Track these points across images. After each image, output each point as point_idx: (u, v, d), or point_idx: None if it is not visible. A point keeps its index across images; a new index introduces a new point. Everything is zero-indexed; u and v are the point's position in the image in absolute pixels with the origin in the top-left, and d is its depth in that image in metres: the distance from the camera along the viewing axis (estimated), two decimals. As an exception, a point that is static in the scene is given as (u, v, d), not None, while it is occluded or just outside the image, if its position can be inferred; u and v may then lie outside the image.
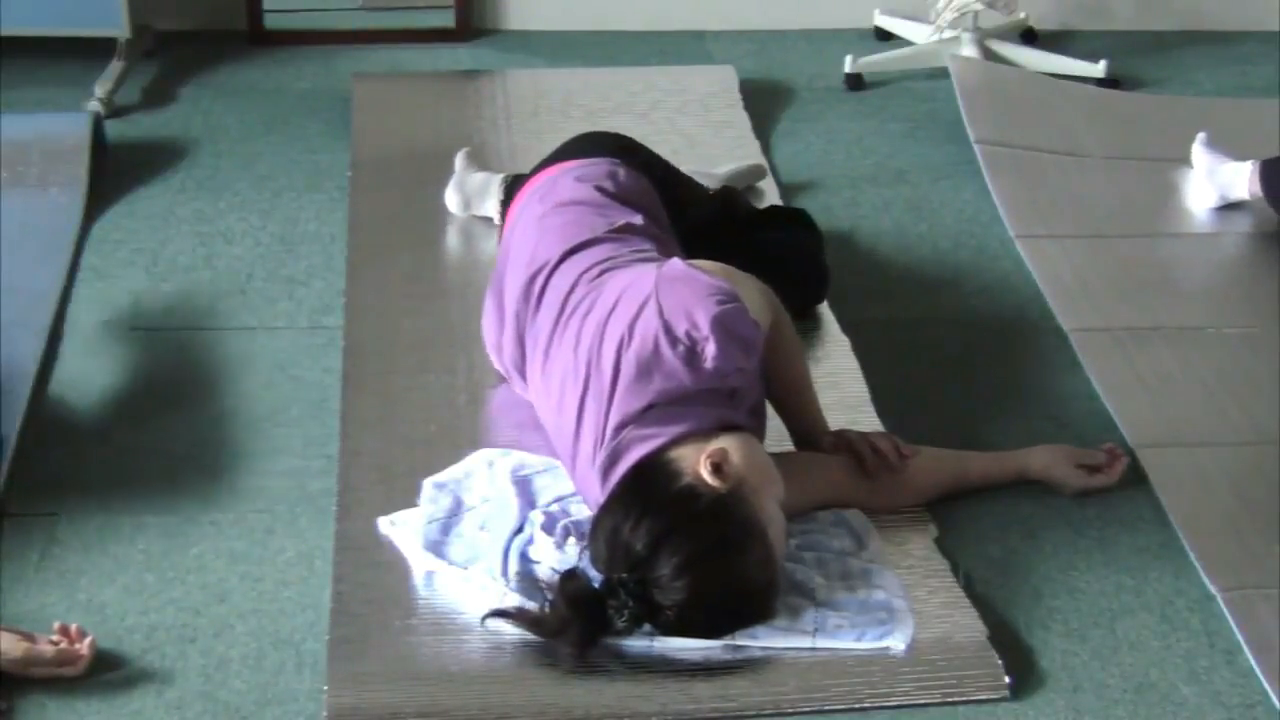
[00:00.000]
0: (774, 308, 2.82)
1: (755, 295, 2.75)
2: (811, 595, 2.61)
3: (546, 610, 2.48)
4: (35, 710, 2.41)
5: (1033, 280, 3.62)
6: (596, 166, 3.12)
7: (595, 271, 2.84)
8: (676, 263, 2.73)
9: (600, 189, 3.04)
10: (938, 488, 2.89)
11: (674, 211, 3.16)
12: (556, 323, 2.82)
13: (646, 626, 2.50)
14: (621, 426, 2.62)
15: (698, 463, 2.51)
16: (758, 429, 2.76)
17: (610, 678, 2.47)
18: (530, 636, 2.51)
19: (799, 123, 4.43)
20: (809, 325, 3.34)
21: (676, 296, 2.63)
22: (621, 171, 3.11)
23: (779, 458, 2.86)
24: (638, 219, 2.98)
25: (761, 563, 2.50)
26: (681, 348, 2.59)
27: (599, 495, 2.60)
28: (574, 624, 2.45)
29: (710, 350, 2.59)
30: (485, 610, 2.53)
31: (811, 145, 4.30)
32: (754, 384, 2.74)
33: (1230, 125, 4.31)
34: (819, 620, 2.56)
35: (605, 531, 2.51)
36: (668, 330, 2.60)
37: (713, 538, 2.46)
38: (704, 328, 2.58)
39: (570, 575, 2.49)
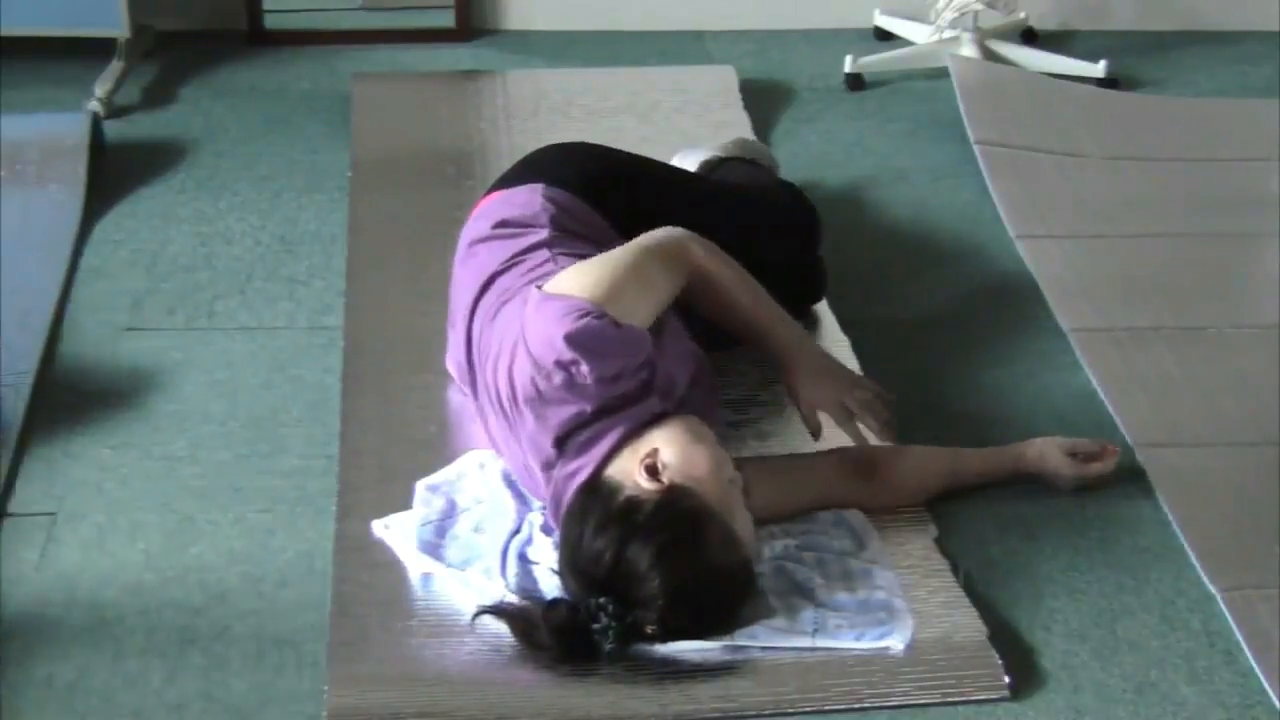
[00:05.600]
0: (687, 258, 2.78)
1: (639, 283, 2.68)
2: (811, 595, 2.60)
3: (535, 618, 2.48)
4: (35, 711, 2.41)
5: (1033, 280, 3.62)
6: (517, 195, 3.02)
7: (493, 312, 2.81)
8: (533, 293, 2.66)
9: (502, 222, 2.97)
10: (935, 486, 2.88)
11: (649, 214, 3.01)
12: (477, 373, 2.83)
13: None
14: (547, 468, 2.62)
15: (634, 471, 2.51)
16: (704, 400, 2.74)
17: (610, 678, 2.46)
18: (527, 638, 2.51)
19: (799, 123, 4.43)
20: (808, 324, 3.32)
21: (536, 330, 2.59)
22: (538, 197, 2.99)
23: (777, 461, 2.88)
24: (544, 234, 2.90)
25: (725, 545, 2.48)
26: (559, 377, 2.56)
27: None
28: (560, 649, 2.46)
29: (584, 369, 2.55)
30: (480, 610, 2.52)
31: (811, 145, 4.30)
32: (669, 370, 2.68)
33: (1230, 125, 4.31)
34: (819, 620, 2.55)
35: (567, 564, 2.51)
36: (538, 367, 2.57)
37: (667, 537, 2.44)
38: (567, 351, 2.55)
39: (554, 605, 2.49)
